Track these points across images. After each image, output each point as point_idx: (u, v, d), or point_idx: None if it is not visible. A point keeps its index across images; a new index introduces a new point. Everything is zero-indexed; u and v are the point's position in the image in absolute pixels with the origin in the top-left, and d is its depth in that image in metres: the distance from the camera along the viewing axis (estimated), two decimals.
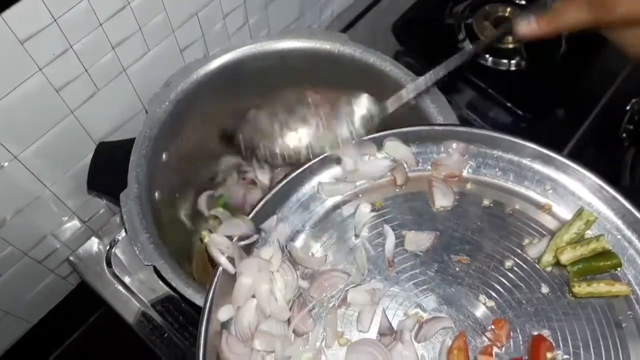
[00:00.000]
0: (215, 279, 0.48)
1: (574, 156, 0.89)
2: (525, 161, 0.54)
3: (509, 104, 0.92)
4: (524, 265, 0.50)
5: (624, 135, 0.93)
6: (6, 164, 0.64)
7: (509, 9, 0.98)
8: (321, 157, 0.55)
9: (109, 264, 0.80)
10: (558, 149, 0.86)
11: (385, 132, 0.56)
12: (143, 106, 0.75)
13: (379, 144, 0.56)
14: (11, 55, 0.56)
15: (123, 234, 0.83)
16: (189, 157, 0.70)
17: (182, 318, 0.78)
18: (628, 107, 0.93)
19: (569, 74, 0.93)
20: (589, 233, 0.51)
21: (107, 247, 0.82)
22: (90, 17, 0.61)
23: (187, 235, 0.74)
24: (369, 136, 0.56)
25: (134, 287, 0.80)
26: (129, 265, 0.81)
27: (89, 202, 0.80)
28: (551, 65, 0.94)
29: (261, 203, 0.52)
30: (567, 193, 0.53)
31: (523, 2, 1.00)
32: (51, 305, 0.88)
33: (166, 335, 0.78)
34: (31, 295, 0.82)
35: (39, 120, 0.64)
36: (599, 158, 0.91)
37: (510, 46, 0.95)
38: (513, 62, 0.95)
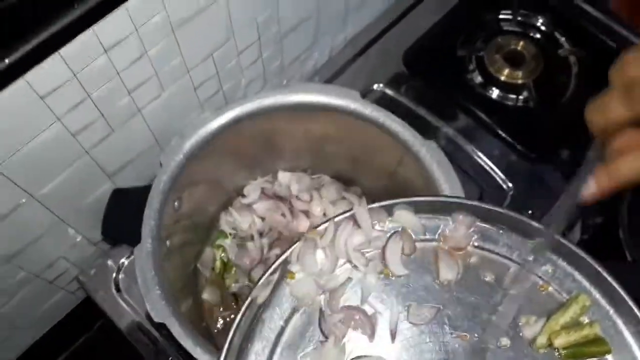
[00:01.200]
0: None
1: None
2: (529, 240, 0.55)
3: (511, 140, 0.93)
4: (519, 345, 0.52)
5: None
6: (23, 200, 0.65)
7: (521, 43, 0.98)
8: (338, 219, 0.56)
9: (117, 288, 0.83)
10: (560, 189, 0.91)
11: (396, 201, 0.57)
12: (156, 140, 0.77)
13: (389, 211, 0.58)
14: (31, 110, 0.57)
15: (132, 256, 0.85)
16: (199, 201, 0.72)
17: None
18: None
19: (577, 114, 0.94)
20: (582, 318, 0.53)
21: (116, 271, 0.84)
22: (109, 69, 0.61)
23: (194, 273, 0.77)
24: (380, 204, 0.57)
25: (141, 310, 0.82)
26: (137, 286, 0.83)
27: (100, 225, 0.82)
28: (560, 104, 0.95)
29: (271, 269, 0.54)
30: (566, 276, 0.54)
31: (538, 36, 1.00)
32: (59, 317, 0.91)
33: (170, 359, 0.80)
34: (40, 311, 0.85)
35: (55, 162, 0.66)
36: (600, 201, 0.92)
37: (520, 81, 0.96)
38: (521, 97, 0.96)
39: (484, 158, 0.92)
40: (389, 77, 0.99)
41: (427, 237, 0.58)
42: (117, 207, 0.67)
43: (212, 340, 0.75)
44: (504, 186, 0.90)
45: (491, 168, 0.92)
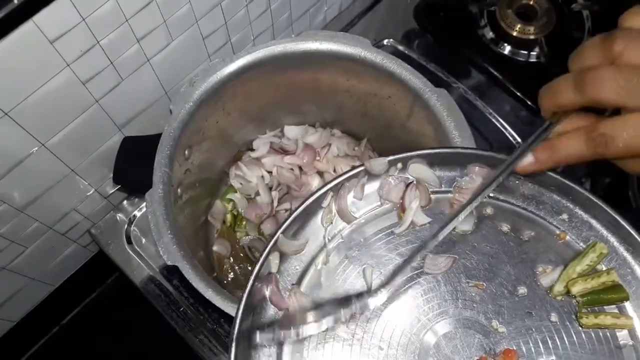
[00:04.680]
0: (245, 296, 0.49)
1: None
2: (545, 189, 0.55)
3: (522, 96, 0.92)
4: (536, 293, 0.52)
5: None
6: (35, 149, 0.65)
7: None
8: (350, 174, 0.55)
9: (128, 241, 0.84)
10: None
11: (410, 154, 0.56)
12: (165, 91, 0.76)
13: (404, 165, 0.56)
14: (41, 54, 0.57)
15: (143, 209, 0.86)
16: (208, 150, 0.72)
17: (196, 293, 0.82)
18: None
19: None
20: (600, 266, 0.52)
21: (127, 224, 0.85)
22: (117, 14, 0.61)
23: (205, 226, 0.78)
24: (394, 157, 0.56)
25: (152, 262, 0.83)
26: (147, 239, 0.84)
27: (111, 179, 0.82)
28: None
29: (286, 224, 0.52)
30: (583, 224, 0.54)
31: None
32: (72, 270, 0.92)
33: (182, 309, 0.82)
34: (54, 263, 0.86)
35: (66, 110, 0.65)
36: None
37: (532, 37, 0.94)
38: (532, 53, 0.94)
39: (495, 114, 0.92)
40: (399, 33, 0.98)
41: (443, 188, 0.57)
42: (128, 154, 0.67)
43: None
44: (514, 142, 0.90)
45: (501, 124, 0.91)
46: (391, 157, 0.55)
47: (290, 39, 0.66)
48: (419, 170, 0.56)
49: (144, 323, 0.88)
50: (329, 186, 0.54)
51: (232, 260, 0.80)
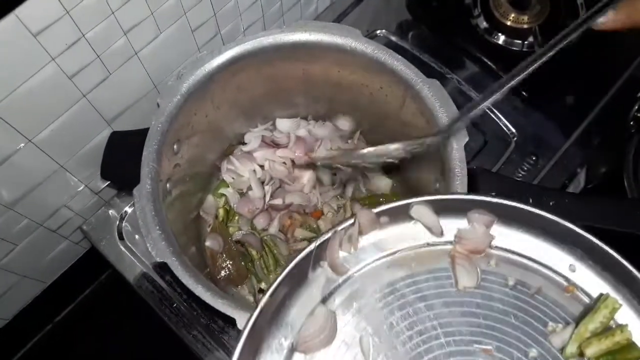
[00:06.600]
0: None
1: (581, 144, 0.91)
2: (552, 237, 0.51)
3: (517, 86, 0.91)
4: (548, 356, 0.48)
5: (632, 123, 0.93)
6: (22, 145, 0.65)
7: None
8: (339, 227, 0.50)
9: (120, 237, 0.83)
10: (565, 137, 0.90)
11: (413, 200, 0.51)
12: (154, 85, 0.75)
13: (405, 210, 0.52)
14: (25, 48, 0.56)
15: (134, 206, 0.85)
16: (198, 144, 0.71)
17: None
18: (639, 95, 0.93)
19: (583, 59, 0.92)
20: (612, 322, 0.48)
21: (118, 220, 0.84)
22: (103, 7, 0.60)
23: (196, 221, 0.77)
24: (398, 203, 0.51)
25: (145, 258, 0.83)
26: (139, 235, 0.84)
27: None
28: (566, 49, 0.92)
29: (273, 287, 0.47)
30: (592, 274, 0.50)
31: None
32: (65, 267, 0.92)
33: (175, 305, 0.81)
34: (46, 260, 0.86)
35: (52, 105, 0.65)
36: (605, 146, 0.92)
37: (525, 26, 0.93)
38: (526, 43, 0.93)
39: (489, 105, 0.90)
40: (393, 24, 0.97)
41: (442, 239, 0.52)
42: (116, 149, 0.66)
43: None
44: (508, 132, 0.89)
45: (495, 115, 0.90)
46: (389, 205, 0.51)
47: (280, 30, 0.65)
48: (421, 213, 0.51)
49: (138, 319, 0.87)
50: (316, 244, 0.49)
51: (224, 255, 0.79)
